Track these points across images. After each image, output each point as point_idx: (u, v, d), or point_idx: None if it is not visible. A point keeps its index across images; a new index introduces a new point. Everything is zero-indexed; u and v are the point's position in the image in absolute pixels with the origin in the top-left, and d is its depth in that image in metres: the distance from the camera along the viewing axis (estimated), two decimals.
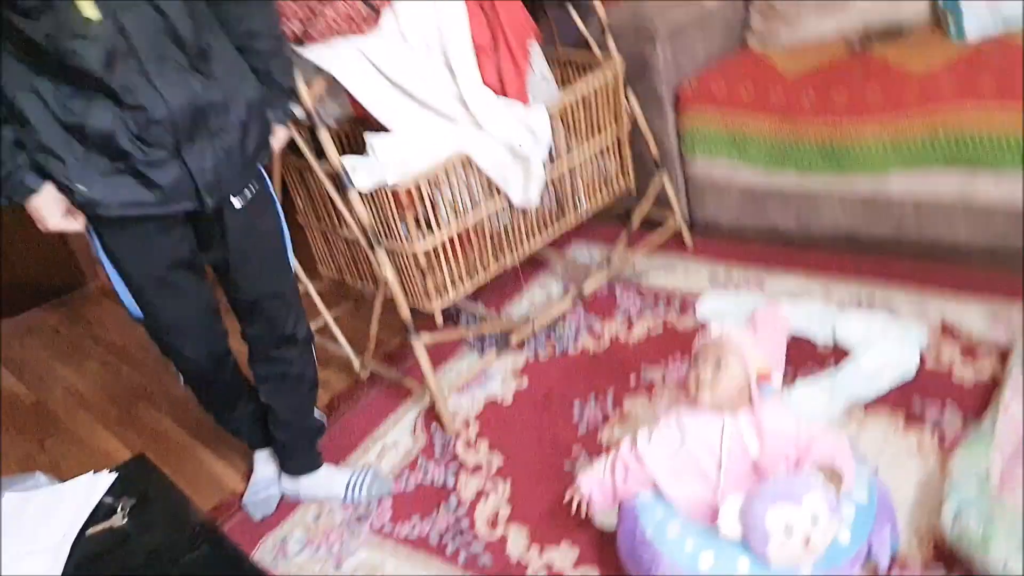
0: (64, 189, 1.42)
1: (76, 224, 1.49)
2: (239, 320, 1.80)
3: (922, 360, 1.88)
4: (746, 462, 1.47)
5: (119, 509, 1.41)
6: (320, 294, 2.35)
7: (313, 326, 2.45)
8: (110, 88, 1.36)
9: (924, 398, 1.79)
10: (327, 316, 2.34)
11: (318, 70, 1.91)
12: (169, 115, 1.40)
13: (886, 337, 1.93)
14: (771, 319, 1.72)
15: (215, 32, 1.49)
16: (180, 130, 1.42)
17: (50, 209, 1.45)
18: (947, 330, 1.96)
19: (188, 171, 1.46)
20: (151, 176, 1.44)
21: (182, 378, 1.82)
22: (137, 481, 1.50)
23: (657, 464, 1.52)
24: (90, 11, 1.32)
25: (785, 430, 1.48)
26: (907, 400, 1.80)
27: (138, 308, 1.61)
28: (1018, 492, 1.47)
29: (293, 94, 1.75)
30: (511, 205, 2.15)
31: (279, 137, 1.70)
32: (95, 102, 1.36)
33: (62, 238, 3.08)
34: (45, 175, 1.42)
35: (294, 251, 2.20)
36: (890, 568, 1.46)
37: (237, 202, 1.58)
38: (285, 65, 1.67)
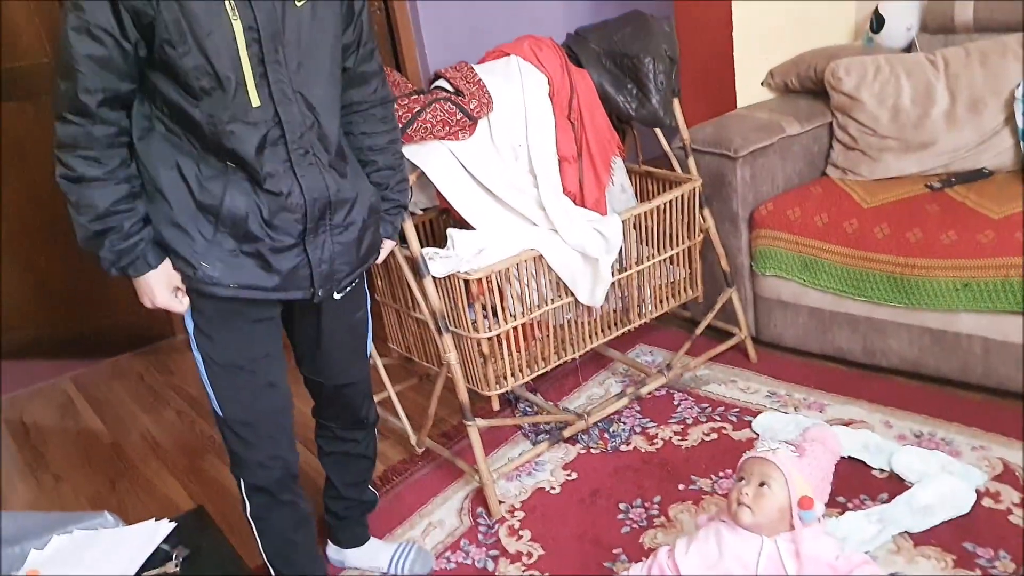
0: (186, 265, 1.45)
1: (180, 305, 1.50)
2: (315, 400, 1.84)
3: (978, 500, 1.85)
4: None
5: (174, 557, 1.50)
6: (387, 368, 2.45)
7: (377, 398, 2.56)
8: (254, 172, 1.41)
9: (977, 540, 1.75)
10: (391, 390, 2.43)
11: (411, 165, 2.06)
12: (303, 205, 1.45)
13: (943, 473, 1.91)
14: (822, 440, 1.71)
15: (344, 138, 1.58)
16: (309, 220, 1.47)
17: (160, 286, 1.46)
18: (1008, 473, 1.92)
19: (308, 261, 1.50)
20: (273, 261, 1.48)
21: (248, 506, 1.69)
22: (194, 532, 1.60)
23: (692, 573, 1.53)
24: (255, 98, 1.38)
25: (824, 558, 1.47)
26: (959, 540, 1.76)
27: (220, 407, 1.59)
28: None
29: (405, 210, 1.81)
30: (577, 303, 2.23)
31: (386, 248, 1.75)
32: (234, 184, 1.41)
33: None
34: (167, 250, 1.45)
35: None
36: None
37: (338, 295, 1.62)
38: (403, 183, 1.73)
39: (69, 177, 1.37)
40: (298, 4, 1.39)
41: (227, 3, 1.32)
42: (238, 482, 1.68)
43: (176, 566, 1.46)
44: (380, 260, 1.76)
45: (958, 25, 2.61)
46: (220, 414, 1.60)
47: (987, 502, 1.85)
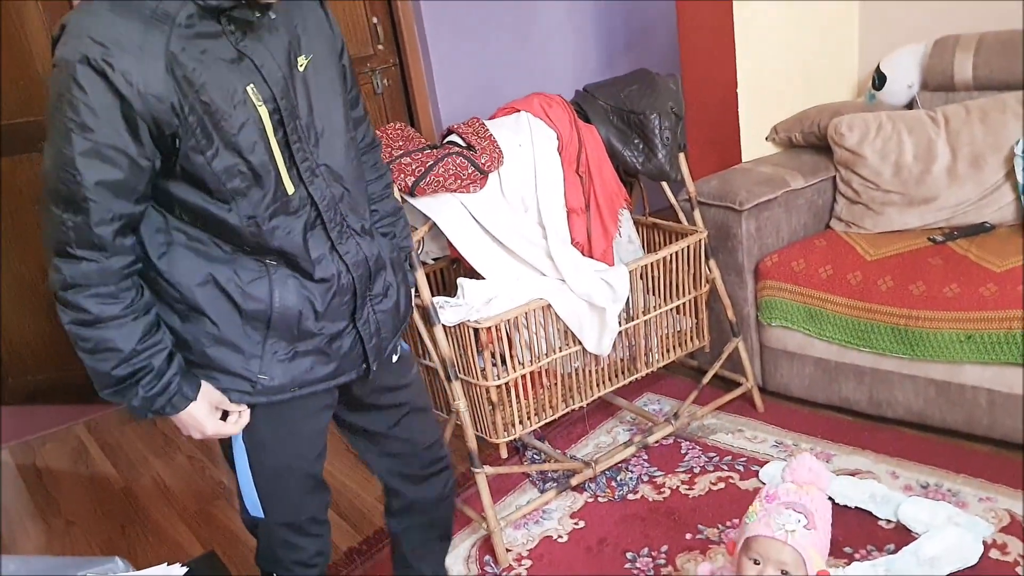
0: (243, 382, 1.32)
1: (235, 427, 1.35)
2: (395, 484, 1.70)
3: (985, 551, 1.85)
4: None
5: None
6: None
7: None
8: (303, 264, 1.29)
9: None
10: None
11: (423, 217, 2.12)
12: (352, 284, 1.36)
13: (950, 524, 1.91)
14: (815, 481, 1.61)
15: None
16: (357, 297, 1.38)
17: (204, 415, 1.31)
18: (1014, 525, 1.93)
19: (360, 338, 1.41)
20: (331, 351, 1.37)
21: None
22: None
23: None
24: (289, 185, 1.26)
25: None
26: None
27: (260, 506, 1.45)
28: None
29: (410, 253, 1.73)
30: (585, 351, 2.27)
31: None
32: (279, 282, 1.29)
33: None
34: (212, 371, 1.31)
35: None
36: None
37: (395, 357, 1.54)
38: (407, 227, 1.65)
39: (84, 322, 1.20)
40: (300, 68, 1.27)
41: (249, 89, 1.19)
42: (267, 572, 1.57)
43: None
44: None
45: (958, 83, 2.68)
46: (262, 516, 1.46)
47: (994, 553, 1.86)
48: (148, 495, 2.74)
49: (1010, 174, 2.39)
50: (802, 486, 1.55)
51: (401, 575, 1.83)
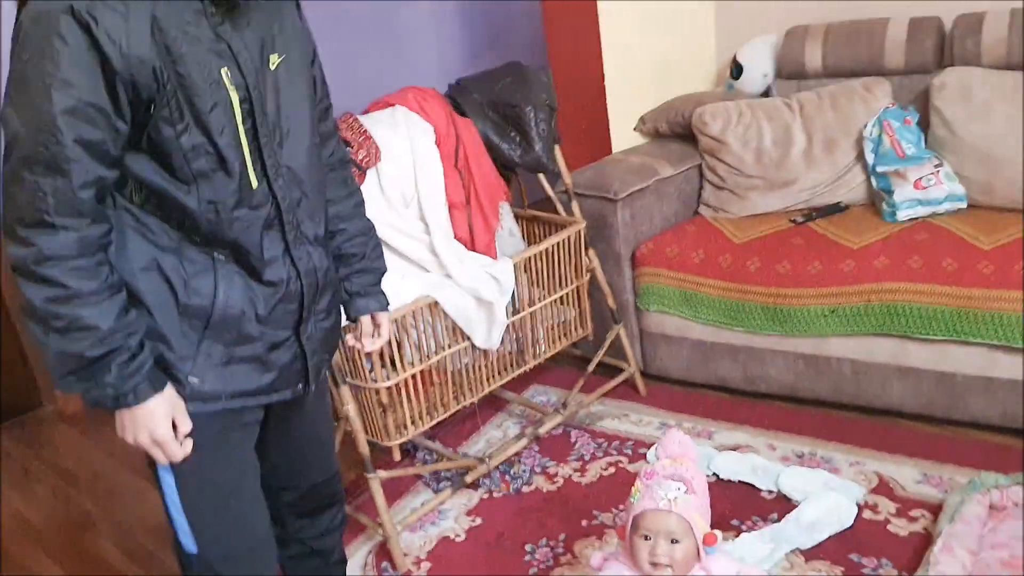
0: (172, 381, 1.23)
1: (180, 449, 1.23)
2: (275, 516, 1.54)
3: (859, 513, 1.97)
4: None
5: None
6: None
7: None
8: (254, 262, 1.23)
9: (861, 551, 1.87)
10: None
11: None
12: (300, 292, 1.30)
13: (826, 490, 2.02)
14: (686, 455, 1.64)
15: None
16: (304, 308, 1.31)
17: (162, 416, 1.20)
18: (883, 486, 2.06)
19: (302, 352, 1.34)
20: (269, 360, 1.30)
21: None
22: None
23: None
24: (254, 178, 1.21)
25: None
26: (845, 552, 1.87)
27: (193, 537, 1.33)
28: None
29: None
30: (473, 347, 2.26)
31: (386, 324, 1.57)
32: (225, 279, 1.23)
33: (20, 353, 3.10)
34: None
35: None
36: None
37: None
38: (379, 247, 1.57)
39: (59, 298, 1.11)
40: (272, 67, 1.23)
41: (223, 71, 1.15)
42: None
43: None
44: (385, 339, 1.58)
45: (809, 71, 2.83)
46: (193, 550, 1.34)
47: (867, 514, 1.98)
48: (8, 532, 2.53)
49: (860, 156, 2.56)
50: (675, 459, 1.60)
51: None
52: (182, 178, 1.16)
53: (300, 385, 1.38)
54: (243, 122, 1.18)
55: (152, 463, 1.29)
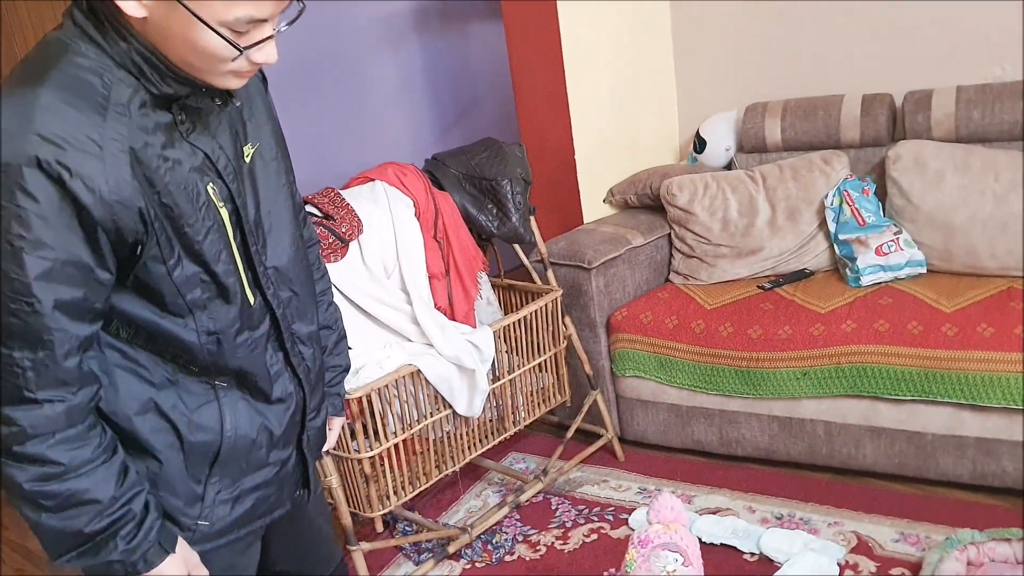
0: (180, 531, 1.13)
1: None
2: None
3: (841, 573, 2.00)
4: None
5: None
6: None
7: None
8: (259, 383, 1.14)
9: None
10: None
11: None
12: (302, 400, 1.22)
13: (807, 551, 2.05)
14: (677, 519, 1.67)
15: None
16: (304, 415, 1.24)
17: (181, 568, 1.10)
18: (861, 545, 2.10)
19: (302, 461, 1.27)
20: (277, 480, 1.21)
21: None
22: None
23: None
24: (250, 294, 1.11)
25: None
26: None
27: None
28: None
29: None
30: (455, 415, 2.27)
31: (335, 429, 1.45)
32: (229, 406, 1.13)
33: None
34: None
35: None
36: None
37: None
38: (343, 342, 1.44)
39: (49, 476, 0.98)
40: (247, 159, 1.13)
41: (210, 189, 1.05)
42: None
43: None
44: (330, 445, 1.44)
45: (769, 145, 2.96)
46: None
47: (848, 574, 2.01)
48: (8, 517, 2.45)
49: (822, 224, 2.66)
50: (668, 525, 1.61)
51: None
52: (176, 311, 1.05)
53: (298, 492, 1.31)
54: (234, 237, 1.09)
55: None
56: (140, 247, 1.00)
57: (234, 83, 1.03)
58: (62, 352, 0.97)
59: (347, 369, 1.45)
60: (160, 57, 0.98)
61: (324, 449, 1.39)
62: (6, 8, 3.08)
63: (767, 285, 2.62)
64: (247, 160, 1.13)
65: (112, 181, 0.95)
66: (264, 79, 1.24)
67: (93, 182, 0.93)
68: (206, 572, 1.14)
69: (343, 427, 2.01)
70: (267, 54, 1.00)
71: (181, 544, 1.11)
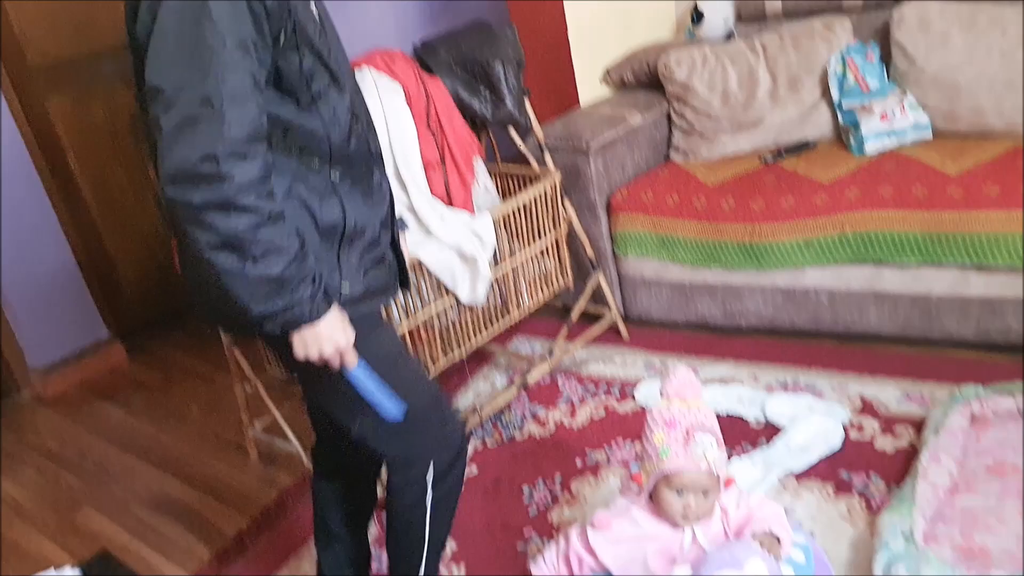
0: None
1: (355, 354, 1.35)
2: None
3: (846, 434, 2.03)
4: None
5: None
6: (267, 390, 2.39)
7: (260, 424, 2.50)
8: (366, 173, 1.39)
9: (850, 468, 1.93)
10: (275, 412, 2.37)
11: None
12: (390, 200, 1.48)
13: (812, 414, 2.09)
14: (695, 392, 1.67)
15: None
16: (392, 217, 1.50)
17: (341, 326, 1.30)
18: (866, 406, 2.13)
19: (398, 257, 1.53)
20: (386, 261, 1.47)
21: (431, 489, 1.55)
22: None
23: (609, 557, 1.54)
24: (347, 94, 1.35)
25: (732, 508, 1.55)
26: (835, 471, 1.94)
27: (397, 404, 1.40)
28: (940, 545, 1.60)
29: None
30: (459, 303, 2.27)
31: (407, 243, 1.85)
32: (348, 197, 1.35)
33: None
34: None
35: (241, 350, 2.27)
36: None
37: None
38: None
39: (259, 223, 1.18)
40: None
41: (312, 5, 1.31)
42: (410, 480, 1.52)
43: None
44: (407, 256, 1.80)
45: (769, 14, 2.87)
46: (399, 416, 1.41)
47: (853, 434, 2.05)
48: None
49: (825, 93, 2.60)
50: (685, 399, 1.59)
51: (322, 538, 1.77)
52: (304, 103, 1.27)
53: (396, 283, 1.53)
54: (319, 38, 1.30)
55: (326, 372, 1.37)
56: (282, 36, 1.22)
57: None
58: (258, 111, 1.18)
59: None
60: None
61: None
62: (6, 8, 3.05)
63: (769, 158, 2.57)
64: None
65: None
66: None
67: None
68: (353, 333, 1.32)
69: None
70: None
71: (335, 306, 1.31)
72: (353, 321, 1.35)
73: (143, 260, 3.49)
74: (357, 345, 1.35)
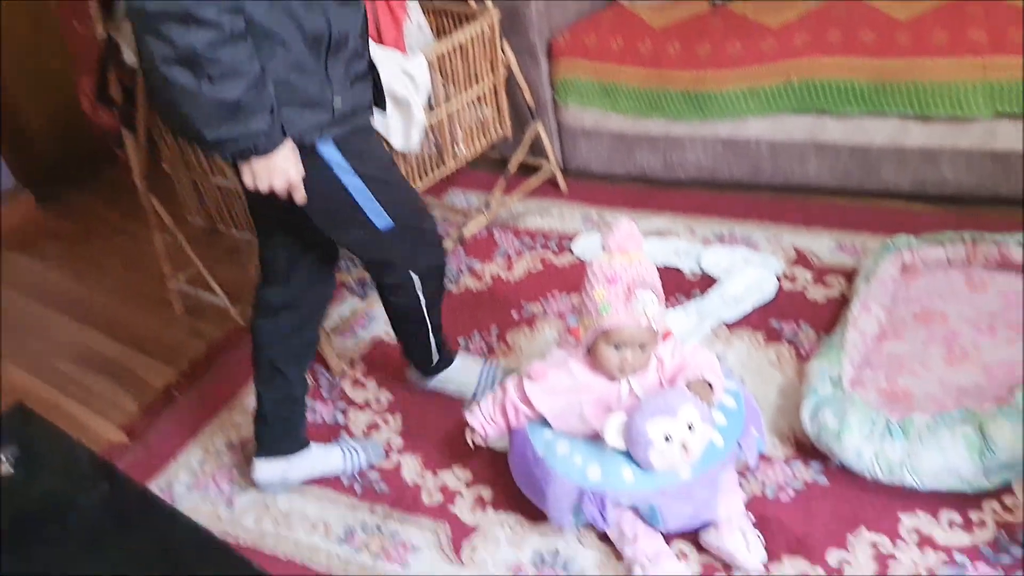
0: (321, 111, 1.36)
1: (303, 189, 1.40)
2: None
3: (779, 284, 2.05)
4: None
5: (2, 458, 1.35)
6: (190, 243, 2.29)
7: (183, 276, 2.41)
8: None
9: (782, 317, 1.96)
10: (199, 264, 2.28)
11: None
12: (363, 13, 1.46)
13: (746, 265, 2.09)
14: (635, 243, 1.63)
15: None
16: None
17: (294, 159, 1.35)
18: (800, 257, 2.14)
19: (374, 78, 1.53)
20: (370, 80, 1.49)
21: (423, 291, 1.71)
22: (18, 429, 1.44)
23: (545, 407, 1.55)
24: None
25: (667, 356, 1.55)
26: (767, 320, 1.96)
27: (388, 217, 1.53)
28: (866, 390, 1.64)
29: None
30: (392, 151, 2.17)
31: None
32: (330, 9, 1.33)
33: None
34: (299, 102, 1.34)
35: (160, 199, 2.16)
36: (758, 464, 1.60)
37: None
38: None
39: (217, 41, 1.16)
40: None
41: None
42: (403, 280, 1.67)
43: (11, 467, 1.32)
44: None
45: None
46: (390, 224, 1.54)
47: (786, 285, 2.06)
48: None
49: None
50: (627, 252, 1.55)
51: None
52: None
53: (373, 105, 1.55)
54: None
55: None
56: None
57: None
58: None
59: None
60: None
61: None
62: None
63: (718, 1, 2.46)
64: None
65: None
66: None
67: None
68: (303, 171, 1.36)
69: None
70: None
71: (288, 139, 1.33)
72: (351, 134, 1.42)
73: (51, 103, 3.24)
74: (360, 156, 1.44)
